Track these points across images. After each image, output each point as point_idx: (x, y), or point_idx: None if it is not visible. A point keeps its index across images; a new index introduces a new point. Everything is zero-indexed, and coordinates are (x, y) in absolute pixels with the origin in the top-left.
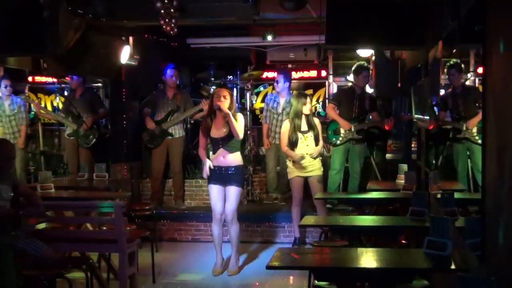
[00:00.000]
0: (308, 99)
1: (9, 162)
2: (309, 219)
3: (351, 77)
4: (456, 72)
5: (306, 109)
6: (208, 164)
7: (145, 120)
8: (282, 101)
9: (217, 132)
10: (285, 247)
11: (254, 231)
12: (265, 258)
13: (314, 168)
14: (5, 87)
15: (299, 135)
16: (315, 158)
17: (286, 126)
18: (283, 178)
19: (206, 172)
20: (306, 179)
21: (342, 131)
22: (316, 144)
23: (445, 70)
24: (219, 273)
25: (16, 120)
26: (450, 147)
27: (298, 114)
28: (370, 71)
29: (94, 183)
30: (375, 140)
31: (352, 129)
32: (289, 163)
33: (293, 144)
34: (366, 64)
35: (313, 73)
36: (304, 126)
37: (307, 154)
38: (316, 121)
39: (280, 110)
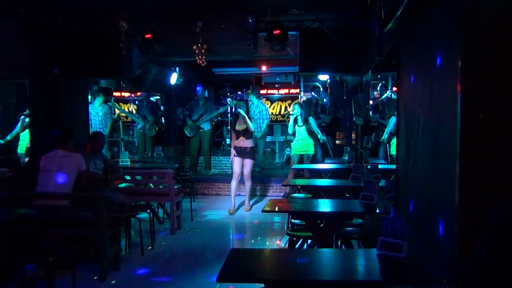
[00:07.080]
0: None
1: (102, 146)
2: (288, 182)
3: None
4: (384, 88)
5: None
6: (232, 153)
7: (184, 120)
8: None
9: (239, 127)
10: (274, 199)
11: (254, 189)
12: (261, 206)
13: (307, 149)
14: (98, 99)
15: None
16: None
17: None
18: (259, 157)
19: (232, 156)
20: (301, 156)
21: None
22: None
23: (377, 87)
24: (232, 213)
25: (105, 120)
26: (376, 136)
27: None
28: (326, 88)
29: (154, 159)
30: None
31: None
32: (292, 145)
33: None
34: (318, 84)
35: (291, 90)
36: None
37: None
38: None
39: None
